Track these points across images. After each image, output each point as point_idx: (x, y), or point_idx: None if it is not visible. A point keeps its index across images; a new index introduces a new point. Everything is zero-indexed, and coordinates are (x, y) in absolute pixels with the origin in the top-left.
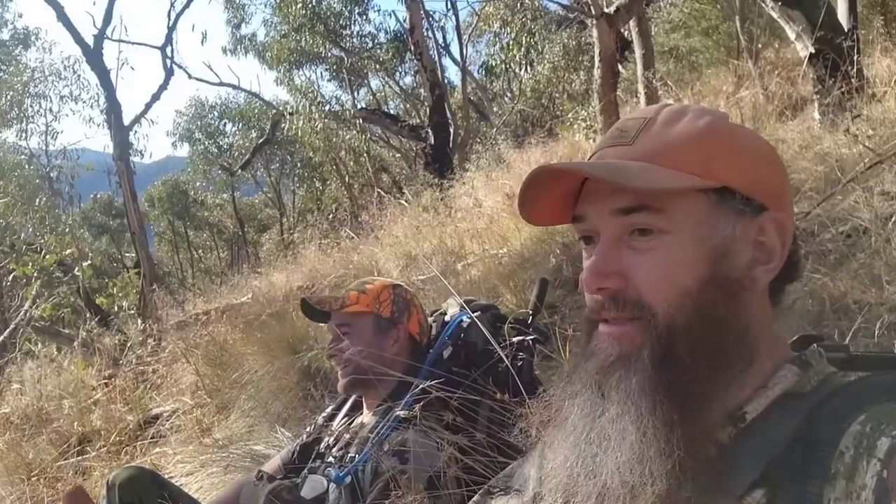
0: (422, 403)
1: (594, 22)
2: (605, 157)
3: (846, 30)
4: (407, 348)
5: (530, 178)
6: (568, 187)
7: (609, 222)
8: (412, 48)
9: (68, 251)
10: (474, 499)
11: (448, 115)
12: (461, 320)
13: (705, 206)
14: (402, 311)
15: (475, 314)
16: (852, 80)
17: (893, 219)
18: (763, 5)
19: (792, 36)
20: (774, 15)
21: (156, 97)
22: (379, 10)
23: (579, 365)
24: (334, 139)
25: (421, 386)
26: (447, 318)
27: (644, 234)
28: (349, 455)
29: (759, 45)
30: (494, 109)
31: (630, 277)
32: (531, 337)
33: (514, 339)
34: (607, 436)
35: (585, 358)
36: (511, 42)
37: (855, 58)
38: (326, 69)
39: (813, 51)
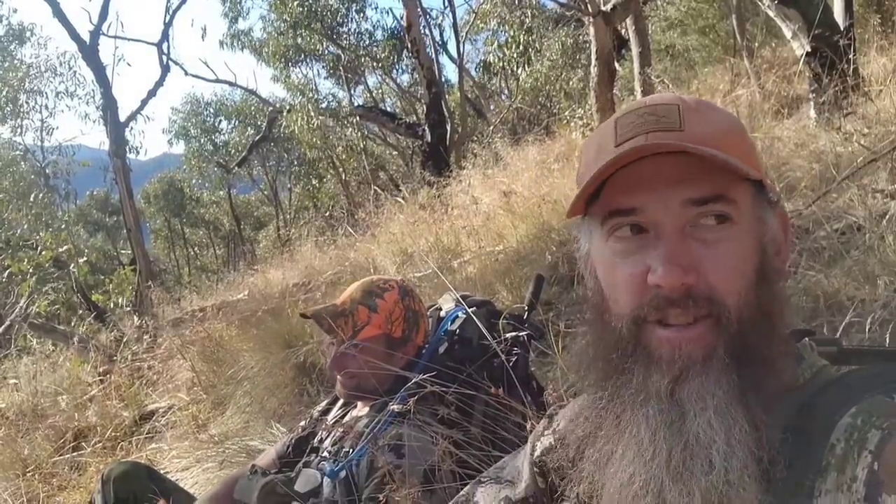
0: (416, 398)
1: (591, 20)
2: (657, 140)
3: (842, 28)
4: (411, 355)
5: (611, 164)
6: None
7: (676, 213)
8: (409, 46)
9: (64, 248)
10: (465, 489)
11: (445, 112)
12: (457, 316)
13: (752, 198)
14: (412, 328)
15: (471, 310)
16: (848, 78)
17: (887, 216)
18: (760, 4)
19: (788, 34)
20: (771, 13)
21: (152, 94)
22: (377, 8)
23: (625, 374)
24: (331, 137)
25: (415, 380)
26: (443, 313)
27: (720, 222)
28: (344, 449)
29: (756, 44)
30: (491, 107)
31: (701, 271)
32: (526, 333)
33: (509, 335)
34: (700, 445)
35: (641, 366)
36: (508, 40)
37: (851, 56)
38: (323, 66)
39: (809, 49)
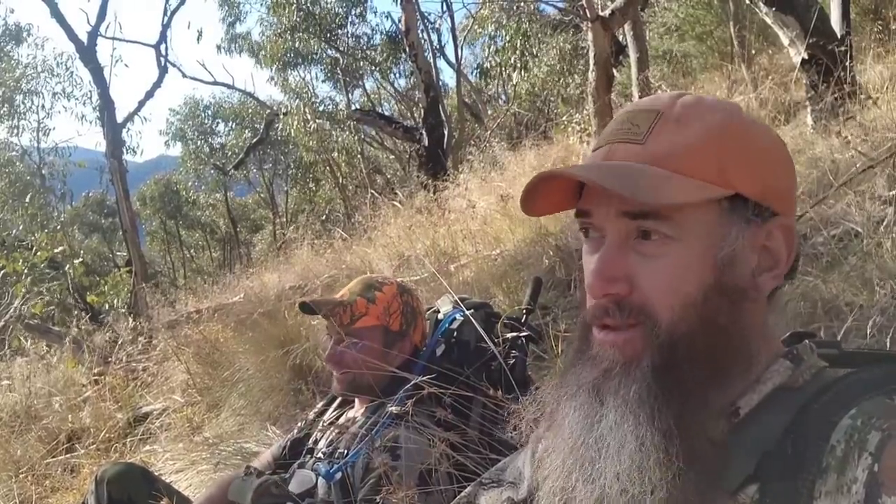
0: (414, 400)
1: (589, 25)
2: (614, 154)
3: (839, 36)
4: (407, 354)
5: (535, 183)
6: (571, 180)
7: (615, 223)
8: (407, 50)
9: (59, 249)
10: (467, 489)
11: (443, 116)
12: (454, 318)
13: (716, 214)
14: (410, 323)
15: (469, 312)
16: (845, 85)
17: (885, 223)
18: (757, 11)
19: (785, 41)
20: (768, 20)
21: (149, 95)
22: (376, 12)
23: (575, 367)
24: (327, 140)
25: (413, 382)
26: (440, 315)
27: (651, 238)
28: (339, 451)
29: (753, 51)
30: (489, 112)
31: (635, 283)
32: (524, 335)
33: (508, 337)
34: (606, 443)
35: (582, 362)
36: (506, 45)
37: (847, 64)
38: (321, 69)
39: (806, 56)
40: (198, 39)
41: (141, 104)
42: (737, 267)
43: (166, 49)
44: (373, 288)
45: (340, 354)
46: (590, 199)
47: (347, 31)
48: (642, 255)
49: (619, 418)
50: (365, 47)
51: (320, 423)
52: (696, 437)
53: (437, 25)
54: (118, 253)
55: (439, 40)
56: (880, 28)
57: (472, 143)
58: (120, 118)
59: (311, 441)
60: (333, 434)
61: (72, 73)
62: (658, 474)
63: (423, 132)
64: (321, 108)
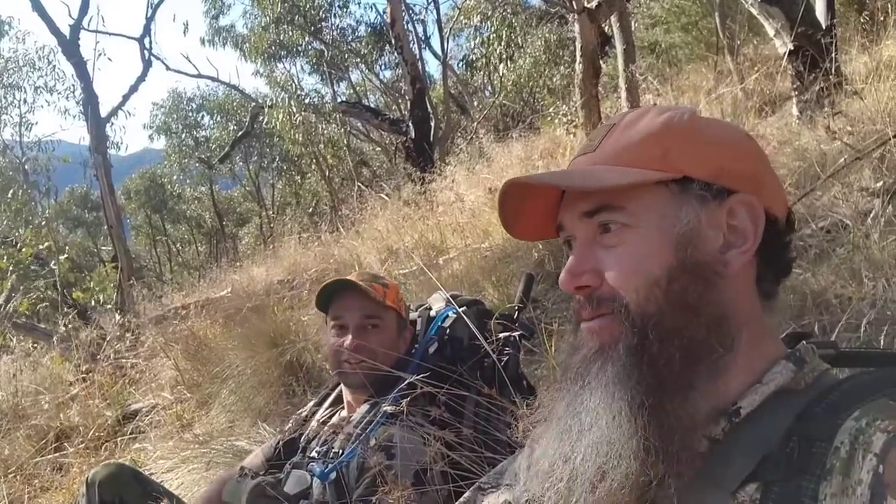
0: (408, 398)
1: (576, 17)
2: (576, 166)
3: (824, 27)
4: (409, 343)
5: (501, 198)
6: (549, 201)
7: (580, 226)
8: (393, 41)
9: (45, 245)
10: (466, 494)
11: (429, 108)
12: (447, 315)
13: (666, 197)
14: (407, 314)
15: (461, 309)
16: (830, 76)
17: (872, 214)
18: (742, 2)
19: (771, 32)
20: (754, 11)
21: (133, 89)
22: (360, 3)
23: (567, 362)
24: (313, 133)
25: (407, 381)
26: (432, 313)
27: (610, 230)
28: (333, 450)
29: (739, 42)
30: (475, 104)
31: (604, 275)
32: (517, 332)
33: (500, 335)
34: (583, 423)
35: (571, 354)
36: (492, 36)
37: (833, 55)
38: (307, 62)
39: (792, 47)
40: (184, 32)
41: (125, 98)
42: (698, 244)
43: (150, 42)
44: (378, 278)
45: (365, 333)
46: (561, 212)
47: (332, 23)
48: (606, 248)
49: (598, 399)
50: (350, 39)
51: (313, 423)
52: (677, 416)
53: (422, 17)
54: (103, 248)
55: (425, 32)
56: (865, 19)
57: (459, 135)
58: (104, 112)
59: (304, 441)
60: (328, 434)
61: (54, 67)
62: (626, 446)
63: (410, 124)
64: (307, 101)
